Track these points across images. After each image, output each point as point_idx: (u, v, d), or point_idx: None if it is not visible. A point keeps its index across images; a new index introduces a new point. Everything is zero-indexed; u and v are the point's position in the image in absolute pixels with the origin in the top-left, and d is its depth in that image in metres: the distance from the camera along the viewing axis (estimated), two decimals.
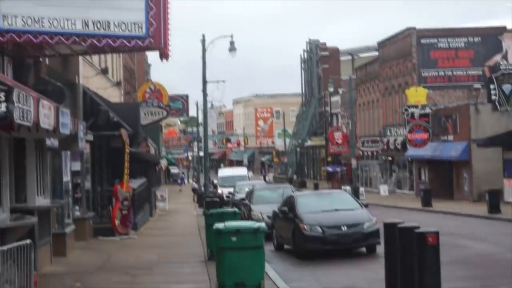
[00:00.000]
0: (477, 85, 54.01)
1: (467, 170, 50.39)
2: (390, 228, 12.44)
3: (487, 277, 16.91)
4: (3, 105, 10.56)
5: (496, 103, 41.63)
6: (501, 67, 43.04)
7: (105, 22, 16.10)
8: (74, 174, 24.27)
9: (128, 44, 16.62)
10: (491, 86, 41.56)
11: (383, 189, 63.67)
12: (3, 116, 10.57)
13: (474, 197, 48.21)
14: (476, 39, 58.48)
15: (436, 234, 10.72)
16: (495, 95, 41.36)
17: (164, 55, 17.07)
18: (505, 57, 53.25)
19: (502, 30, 56.92)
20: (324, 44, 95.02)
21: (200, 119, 75.37)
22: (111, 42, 16.38)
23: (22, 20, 15.45)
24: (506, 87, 41.13)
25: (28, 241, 10.13)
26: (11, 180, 16.88)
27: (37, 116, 11.75)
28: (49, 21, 15.65)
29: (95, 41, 16.32)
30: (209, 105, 64.70)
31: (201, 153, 70.13)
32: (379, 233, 19.81)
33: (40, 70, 19.36)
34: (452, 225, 30.81)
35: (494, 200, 37.09)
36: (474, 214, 37.64)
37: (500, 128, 45.31)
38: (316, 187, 68.32)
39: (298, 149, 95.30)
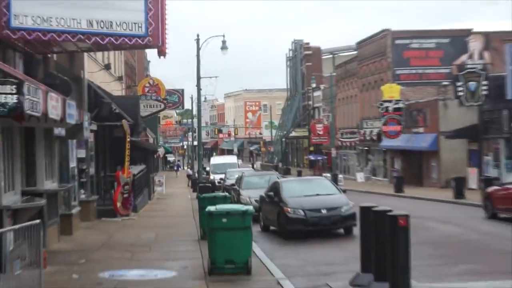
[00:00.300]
0: (445, 83, 54.11)
1: (436, 160, 50.58)
2: (365, 211, 12.49)
3: (451, 255, 17.04)
4: (15, 97, 10.53)
5: (462, 99, 41.69)
6: (467, 66, 43.09)
7: (108, 22, 16.07)
8: (80, 160, 24.24)
9: (129, 42, 16.60)
10: (458, 84, 41.59)
11: (360, 176, 63.80)
12: (15, 107, 10.54)
13: (441, 184, 48.37)
14: (445, 41, 58.61)
15: (407, 217, 10.77)
16: (462, 91, 41.38)
17: (161, 53, 17.04)
18: (471, 57, 53.37)
19: (468, 32, 57.01)
20: (308, 44, 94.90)
21: (194, 112, 75.35)
22: (113, 40, 16.35)
23: (32, 19, 15.40)
24: (471, 84, 41.18)
25: (37, 221, 10.12)
26: (22, 165, 16.86)
27: (45, 107, 11.72)
28: (56, 21, 15.60)
29: (98, 39, 16.29)
30: (202, 98, 64.59)
31: (195, 143, 70.08)
32: (356, 216, 19.87)
33: (48, 65, 19.30)
34: (421, 209, 30.92)
35: (459, 187, 37.26)
36: (441, 199, 37.79)
37: (465, 121, 45.46)
38: (299, 174, 68.36)
39: (283, 139, 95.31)
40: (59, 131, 19.22)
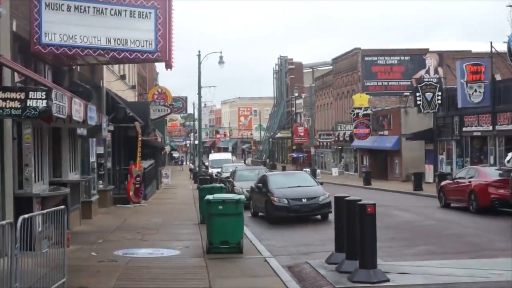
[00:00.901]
0: (406, 93, 54.14)
1: (398, 158, 50.63)
2: (339, 200, 12.46)
3: (410, 238, 17.04)
4: (44, 101, 10.45)
5: (420, 107, 41.70)
6: (424, 79, 43.10)
7: (124, 40, 16.00)
8: (99, 156, 24.12)
9: (141, 56, 16.53)
10: (417, 94, 41.59)
11: (334, 171, 63.81)
12: (44, 110, 10.46)
13: (403, 178, 48.42)
14: (406, 58, 58.68)
15: (374, 205, 10.74)
16: (420, 101, 41.37)
17: (168, 65, 16.97)
18: (427, 71, 53.49)
19: (426, 51, 57.12)
20: (291, 59, 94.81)
21: (196, 115, 75.12)
22: (128, 55, 16.27)
23: (59, 36, 15.30)
24: (428, 95, 41.16)
25: (62, 206, 10.04)
26: (50, 160, 16.78)
27: (70, 110, 11.65)
28: (80, 38, 15.51)
29: (115, 54, 16.22)
30: (202, 104, 64.43)
31: (196, 142, 69.90)
32: (331, 204, 19.84)
33: (73, 76, 19.20)
34: (386, 199, 30.97)
35: (418, 181, 37.30)
36: (403, 191, 37.84)
37: (423, 126, 45.54)
38: (283, 169, 68.25)
39: (270, 139, 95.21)
40: (81, 131, 19.13)
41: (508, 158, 27.81)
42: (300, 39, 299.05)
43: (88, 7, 15.57)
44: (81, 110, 12.70)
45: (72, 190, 17.11)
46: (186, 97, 59.05)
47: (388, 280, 10.55)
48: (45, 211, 9.82)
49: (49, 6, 15.17)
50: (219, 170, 46.74)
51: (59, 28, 15.29)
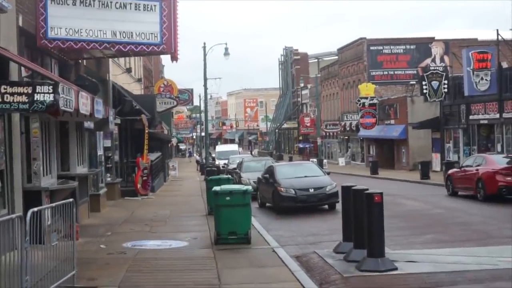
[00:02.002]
0: (412, 82, 54.04)
1: (405, 147, 50.56)
2: (346, 190, 12.47)
3: (418, 227, 17.05)
4: (51, 95, 10.47)
5: (427, 96, 41.61)
6: (430, 68, 42.99)
7: (129, 33, 16.00)
8: (106, 149, 24.17)
9: (146, 49, 16.54)
10: (423, 83, 41.48)
11: (341, 161, 63.81)
12: (51, 104, 10.49)
13: (410, 167, 48.39)
14: (412, 47, 58.51)
15: (381, 194, 10.75)
16: (426, 89, 41.27)
17: (174, 58, 16.97)
18: (433, 60, 53.32)
19: (431, 39, 56.89)
20: (297, 50, 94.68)
21: (202, 107, 75.11)
22: (133, 48, 16.29)
23: (65, 31, 15.33)
24: (434, 83, 41.07)
25: (71, 199, 10.09)
26: (58, 153, 16.83)
27: (77, 104, 11.67)
28: (86, 32, 15.53)
29: (121, 47, 16.23)
30: (209, 96, 64.45)
31: (203, 134, 69.96)
32: (338, 194, 19.89)
33: (79, 69, 19.23)
34: (393, 188, 30.96)
35: (425, 169, 37.26)
36: (410, 179, 37.83)
37: (429, 114, 45.46)
38: (290, 159, 68.33)
39: (276, 130, 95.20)
40: (89, 124, 19.17)
41: None
42: (305, 30, 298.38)
43: (93, 0, 15.58)
44: (88, 104, 12.73)
45: (80, 184, 17.17)
46: (192, 89, 59.08)
47: (396, 269, 10.58)
48: (54, 204, 9.85)
49: (55, 1, 15.20)
50: (226, 161, 46.77)
51: (64, 22, 15.31)
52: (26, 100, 10.48)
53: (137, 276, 10.83)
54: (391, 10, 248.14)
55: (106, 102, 21.12)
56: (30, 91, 10.47)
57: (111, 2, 15.79)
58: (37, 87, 10.55)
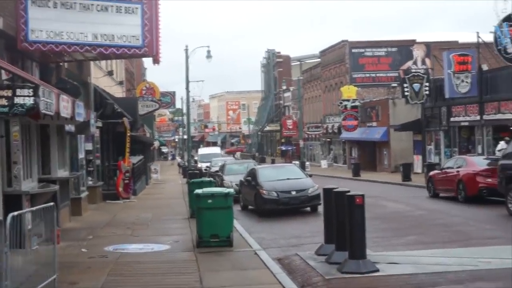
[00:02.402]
0: (394, 84, 54.35)
1: (386, 149, 50.84)
2: (328, 192, 12.50)
3: (399, 228, 17.13)
4: (32, 98, 10.43)
5: (408, 98, 41.88)
6: (411, 71, 43.26)
7: (110, 35, 15.93)
8: (87, 152, 24.06)
9: (128, 52, 16.49)
10: (404, 85, 41.75)
11: (323, 163, 63.97)
12: (32, 107, 10.44)
13: (391, 169, 48.65)
14: (394, 49, 58.82)
15: (362, 196, 10.81)
16: (407, 92, 41.55)
17: (156, 61, 16.91)
18: (415, 63, 53.63)
19: (412, 42, 57.10)
20: (279, 52, 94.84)
21: (184, 110, 75.02)
22: (115, 51, 16.22)
23: (46, 33, 15.24)
24: (415, 86, 41.33)
25: (52, 203, 10.04)
26: (39, 157, 16.73)
27: (58, 107, 11.63)
28: (67, 34, 15.44)
29: (102, 50, 16.15)
30: (191, 99, 64.35)
31: (185, 136, 69.83)
32: (320, 196, 19.96)
33: (60, 72, 19.13)
34: (374, 190, 31.07)
35: (406, 171, 37.50)
36: (391, 181, 38.01)
37: (410, 117, 45.76)
38: (273, 162, 68.32)
39: (259, 133, 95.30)
40: (70, 127, 19.08)
41: (499, 147, 28.02)
42: (288, 33, 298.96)
43: (75, 3, 15.51)
44: (69, 107, 12.68)
45: (61, 187, 17.08)
46: (174, 92, 59.02)
47: (377, 270, 10.64)
48: (34, 208, 9.81)
49: (35, 3, 15.12)
50: (208, 164, 46.71)
51: (45, 25, 15.22)
52: (6, 103, 10.43)
53: (118, 280, 10.80)
54: (373, 12, 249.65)
55: (87, 105, 21.04)
56: (10, 94, 10.42)
57: (92, 5, 15.73)
58: (17, 90, 10.51)
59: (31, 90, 10.48)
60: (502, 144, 27.29)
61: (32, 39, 15.04)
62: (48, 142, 17.50)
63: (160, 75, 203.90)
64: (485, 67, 37.51)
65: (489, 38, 34.03)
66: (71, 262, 12.17)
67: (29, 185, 15.05)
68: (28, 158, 15.57)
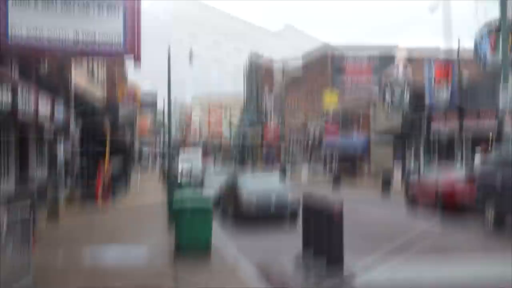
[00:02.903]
0: (375, 90, 54.61)
1: (367, 155, 51.05)
2: (307, 199, 12.53)
3: (378, 237, 17.12)
4: (10, 98, 10.35)
5: (389, 105, 42.14)
6: (393, 77, 43.56)
7: (92, 32, 15.86)
8: (67, 154, 23.90)
9: (109, 49, 16.39)
10: (385, 91, 42.04)
11: (305, 169, 63.99)
12: (10, 106, 10.35)
13: (372, 175, 48.83)
14: (375, 54, 59.14)
15: (341, 204, 10.84)
16: (388, 98, 41.83)
17: (137, 59, 16.85)
18: (396, 69, 54.03)
19: (395, 47, 57.67)
20: (262, 56, 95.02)
21: (166, 112, 74.64)
22: (96, 47, 16.12)
23: (26, 30, 15.12)
24: (396, 92, 41.69)
25: (29, 206, 9.94)
26: (17, 159, 16.57)
27: (36, 106, 11.54)
28: (47, 30, 15.34)
29: (83, 46, 16.05)
30: (173, 101, 64.17)
31: (166, 139, 69.56)
32: (300, 203, 19.92)
33: (40, 72, 18.98)
34: (354, 197, 31.12)
35: (386, 179, 37.48)
36: (371, 188, 38.09)
37: (391, 123, 45.99)
38: (254, 167, 68.34)
39: (241, 137, 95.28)
40: (49, 128, 18.93)
41: (476, 160, 28.12)
42: (270, 36, 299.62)
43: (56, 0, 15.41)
44: (48, 105, 12.59)
45: (39, 190, 16.93)
46: (156, 93, 58.78)
47: (354, 277, 10.65)
48: (10, 210, 9.70)
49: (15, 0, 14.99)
50: (189, 168, 46.56)
51: (26, 21, 15.10)
52: None
53: (94, 285, 10.70)
54: (356, 16, 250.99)
55: (67, 105, 20.89)
56: None
57: (74, 1, 15.65)
58: None
59: (10, 89, 10.39)
60: (479, 157, 27.38)
61: (12, 34, 14.88)
62: (27, 144, 17.36)
63: (142, 75, 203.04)
64: (466, 74, 37.81)
65: (470, 44, 34.28)
66: (47, 266, 12.04)
67: (6, 187, 14.89)
68: (5, 160, 15.42)
